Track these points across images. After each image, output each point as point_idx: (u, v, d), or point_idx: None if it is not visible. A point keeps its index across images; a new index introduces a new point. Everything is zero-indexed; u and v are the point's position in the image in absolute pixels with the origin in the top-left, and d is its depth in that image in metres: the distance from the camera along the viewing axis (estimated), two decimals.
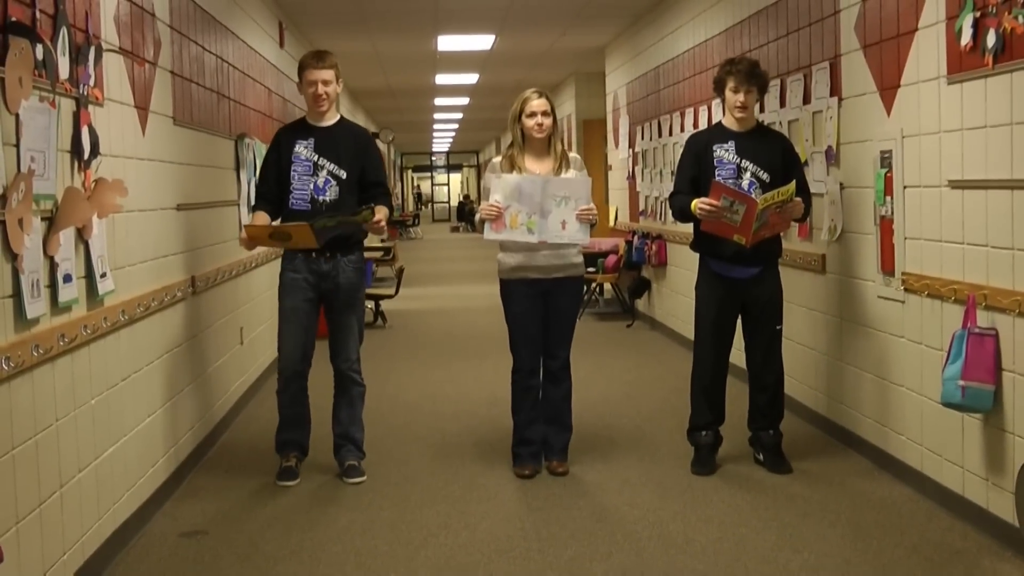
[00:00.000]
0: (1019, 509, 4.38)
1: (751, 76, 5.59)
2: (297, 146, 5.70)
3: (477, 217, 5.73)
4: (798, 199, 5.41)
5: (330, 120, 5.80)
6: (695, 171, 5.71)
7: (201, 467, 6.09)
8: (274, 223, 5.72)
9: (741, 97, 5.57)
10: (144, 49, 5.44)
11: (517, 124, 5.73)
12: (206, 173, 6.84)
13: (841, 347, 6.16)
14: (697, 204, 5.46)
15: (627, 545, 4.70)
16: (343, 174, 5.69)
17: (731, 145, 5.63)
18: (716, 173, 5.59)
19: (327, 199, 5.65)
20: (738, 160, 5.60)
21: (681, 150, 5.94)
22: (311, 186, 5.66)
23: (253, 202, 5.91)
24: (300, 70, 5.76)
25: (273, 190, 5.75)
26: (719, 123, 5.82)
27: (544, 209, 5.57)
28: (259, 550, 4.75)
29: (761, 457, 5.75)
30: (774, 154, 5.64)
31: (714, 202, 5.37)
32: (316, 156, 5.68)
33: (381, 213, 5.62)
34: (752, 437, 5.85)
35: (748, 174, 5.58)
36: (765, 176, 5.57)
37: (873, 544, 4.62)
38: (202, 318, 6.47)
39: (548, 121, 5.69)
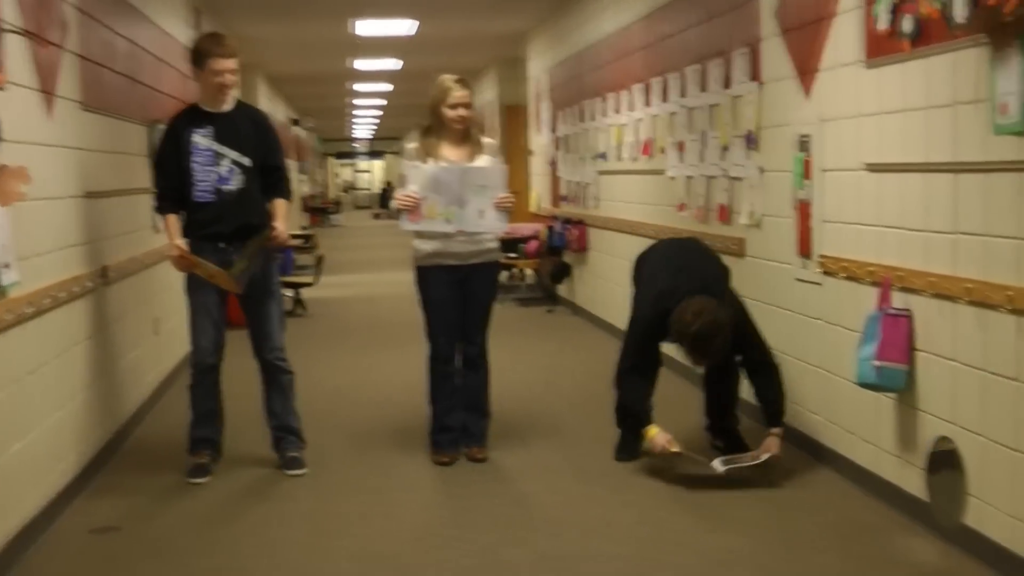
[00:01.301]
0: (930, 486, 4.44)
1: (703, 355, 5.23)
2: (195, 135, 5.49)
3: (392, 204, 5.69)
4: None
5: (228, 105, 5.60)
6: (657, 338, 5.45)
7: (114, 462, 5.94)
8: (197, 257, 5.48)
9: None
10: (49, 31, 5.28)
11: (436, 112, 5.66)
12: (118, 160, 6.69)
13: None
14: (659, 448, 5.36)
15: (546, 530, 4.68)
16: (246, 161, 5.53)
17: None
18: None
19: (232, 188, 5.50)
20: None
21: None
22: (214, 176, 5.48)
23: (156, 200, 5.64)
24: (202, 56, 5.50)
25: (175, 184, 5.52)
26: None
27: (462, 199, 5.55)
28: (173, 545, 4.66)
29: (721, 444, 5.66)
30: None
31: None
32: (217, 144, 5.49)
33: (281, 223, 5.56)
34: (712, 425, 5.75)
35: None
36: None
37: (790, 524, 4.65)
38: (114, 309, 6.32)
39: (468, 113, 5.66)
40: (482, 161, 5.68)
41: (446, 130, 5.67)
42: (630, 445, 5.66)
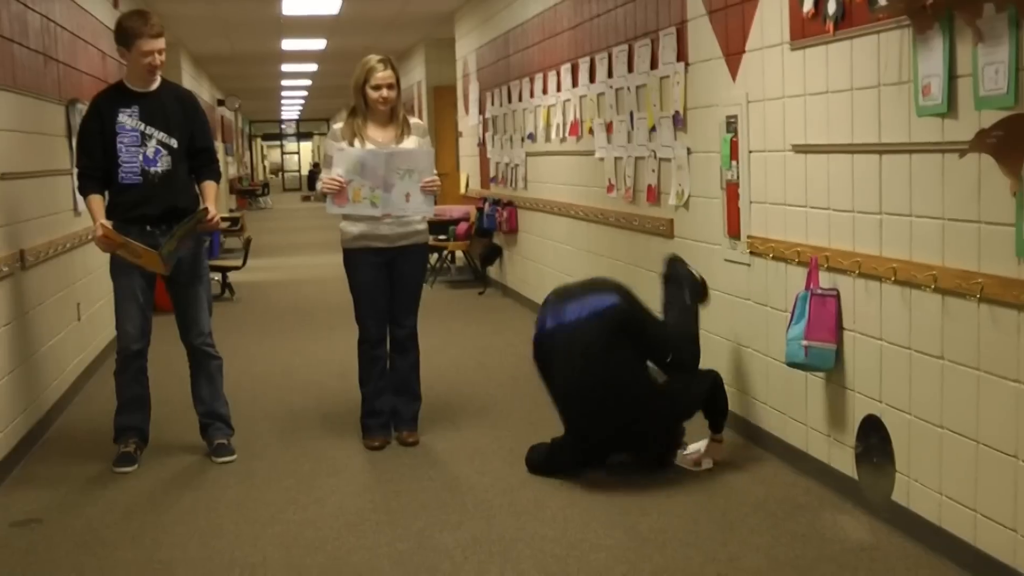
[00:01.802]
0: (859, 463, 4.50)
1: None
2: (120, 115, 5.38)
3: (318, 186, 5.63)
4: None
5: (153, 84, 5.49)
6: None
7: (36, 452, 5.84)
8: (124, 236, 5.37)
9: None
10: None
11: (360, 93, 5.60)
12: (33, 140, 6.53)
13: None
14: None
15: (478, 514, 4.67)
16: (173, 143, 5.44)
17: None
18: None
19: (159, 170, 5.41)
20: None
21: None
22: (140, 157, 5.38)
23: (79, 180, 5.48)
24: (129, 36, 5.35)
25: (100, 165, 5.40)
26: None
27: (387, 183, 5.50)
28: (97, 536, 4.57)
29: None
30: None
31: None
32: (143, 125, 5.39)
33: (212, 206, 5.47)
34: None
35: None
36: None
37: (720, 503, 4.69)
38: (34, 294, 6.19)
39: (393, 94, 5.58)
40: (410, 142, 5.62)
41: (372, 111, 5.61)
42: None
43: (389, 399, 5.78)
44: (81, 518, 4.81)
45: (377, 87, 5.53)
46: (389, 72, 5.57)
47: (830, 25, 4.47)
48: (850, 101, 4.38)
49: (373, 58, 5.60)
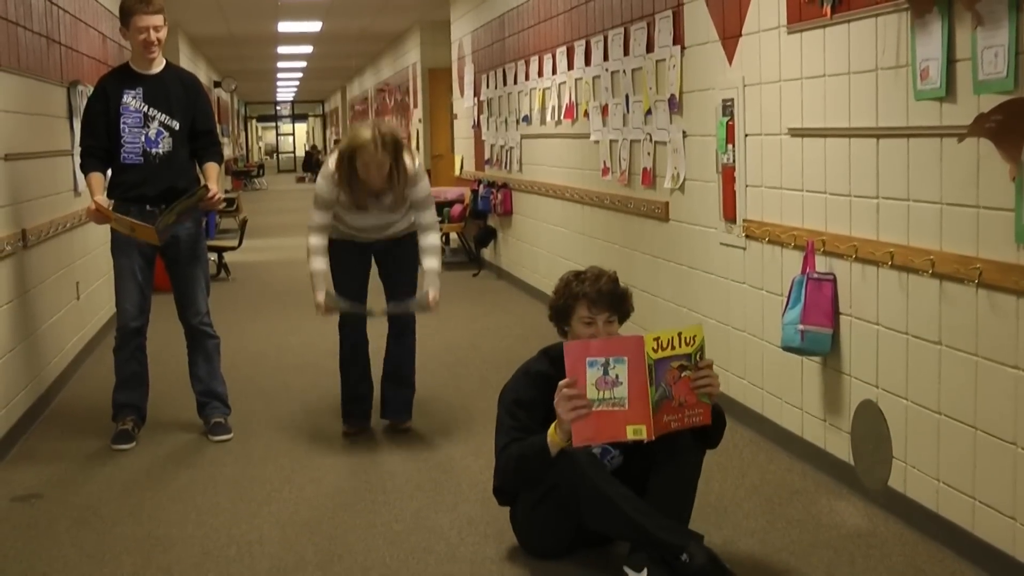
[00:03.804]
0: (854, 448, 4.52)
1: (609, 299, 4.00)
2: (125, 96, 5.43)
3: (317, 310, 5.47)
4: (710, 359, 3.69)
5: (157, 67, 5.53)
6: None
7: (36, 428, 5.88)
8: (113, 207, 5.46)
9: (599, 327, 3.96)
10: None
11: (349, 165, 5.21)
12: (36, 122, 6.56)
13: (684, 294, 6.24)
14: (561, 397, 3.61)
15: (473, 495, 4.70)
16: (175, 124, 5.48)
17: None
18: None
19: (160, 151, 5.45)
20: None
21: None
22: (142, 138, 5.43)
23: (81, 158, 5.54)
24: (126, 14, 5.42)
25: (103, 144, 5.46)
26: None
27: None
28: (96, 512, 4.61)
29: None
30: None
31: (574, 387, 3.58)
32: (146, 106, 5.43)
33: (214, 185, 5.47)
34: None
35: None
36: None
37: (714, 486, 4.70)
38: (35, 273, 6.21)
39: (384, 173, 5.20)
40: (414, 192, 5.37)
41: (366, 183, 5.26)
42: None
43: (370, 384, 5.72)
44: (80, 494, 4.84)
45: (366, 166, 5.17)
46: (382, 158, 5.14)
47: (827, 8, 4.49)
48: (847, 85, 4.40)
49: (365, 135, 5.15)
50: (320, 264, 5.41)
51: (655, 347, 3.54)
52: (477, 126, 12.15)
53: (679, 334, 3.59)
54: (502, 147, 10.90)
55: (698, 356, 3.61)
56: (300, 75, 31.44)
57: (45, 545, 4.27)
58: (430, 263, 5.45)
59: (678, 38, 6.16)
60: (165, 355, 6.37)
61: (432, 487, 4.82)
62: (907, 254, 4.02)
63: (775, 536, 4.17)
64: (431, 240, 5.48)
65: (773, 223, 5.08)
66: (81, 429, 5.82)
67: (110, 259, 5.61)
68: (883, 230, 4.21)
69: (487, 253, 11.93)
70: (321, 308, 5.38)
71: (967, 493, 3.84)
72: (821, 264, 4.63)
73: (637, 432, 3.55)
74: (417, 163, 5.40)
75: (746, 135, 5.35)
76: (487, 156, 11.64)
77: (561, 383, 3.61)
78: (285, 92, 41.32)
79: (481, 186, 11.60)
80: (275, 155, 52.30)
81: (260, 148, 52.75)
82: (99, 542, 4.28)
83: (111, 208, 5.48)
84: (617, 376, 3.52)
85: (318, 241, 5.42)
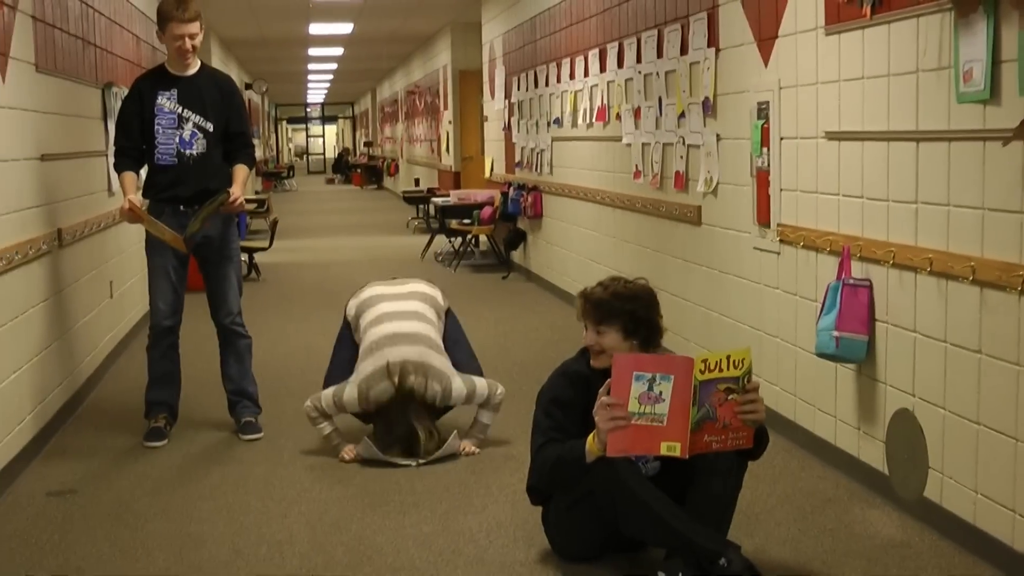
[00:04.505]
0: (889, 457, 4.48)
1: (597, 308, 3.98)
2: (160, 97, 5.47)
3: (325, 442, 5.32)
4: (756, 383, 3.63)
5: (192, 69, 5.57)
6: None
7: (70, 425, 5.92)
8: (148, 207, 5.52)
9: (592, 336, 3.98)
10: None
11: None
12: (72, 123, 6.60)
13: (716, 299, 6.21)
14: (600, 406, 3.58)
15: (502, 498, 4.68)
16: (209, 126, 5.51)
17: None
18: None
19: (194, 153, 5.48)
20: None
21: None
22: (176, 140, 5.47)
23: (115, 158, 5.60)
24: (163, 20, 5.46)
25: (137, 145, 5.52)
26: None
27: None
28: (129, 509, 4.63)
29: None
30: None
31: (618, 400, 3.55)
32: (180, 108, 5.47)
33: (237, 188, 5.48)
34: None
35: None
36: None
37: (746, 493, 4.60)
38: (69, 272, 6.26)
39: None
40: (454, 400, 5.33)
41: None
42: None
43: None
44: (113, 490, 4.88)
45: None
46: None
47: (867, 9, 4.44)
48: (887, 87, 4.35)
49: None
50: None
51: (702, 368, 3.51)
52: (508, 128, 12.14)
53: (727, 357, 3.56)
54: (533, 149, 10.89)
55: (746, 379, 3.58)
56: (331, 77, 31.53)
57: (80, 540, 4.30)
58: (484, 417, 5.40)
59: (712, 40, 6.13)
60: (197, 354, 6.39)
61: (461, 489, 4.81)
62: (947, 260, 3.97)
63: (807, 545, 4.13)
64: (490, 396, 5.39)
65: (808, 228, 5.04)
66: (114, 426, 5.85)
67: (143, 258, 5.65)
68: (922, 235, 4.16)
69: (517, 256, 11.91)
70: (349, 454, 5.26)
71: (1007, 506, 3.78)
72: (857, 270, 4.59)
73: (671, 449, 3.53)
74: (454, 389, 5.31)
75: (781, 138, 5.31)
76: (518, 158, 11.63)
77: (601, 392, 3.60)
78: (315, 94, 41.47)
79: (511, 188, 11.59)
80: (305, 157, 52.49)
81: (290, 150, 52.97)
82: (132, 538, 4.31)
83: (146, 208, 5.52)
84: (661, 393, 3.51)
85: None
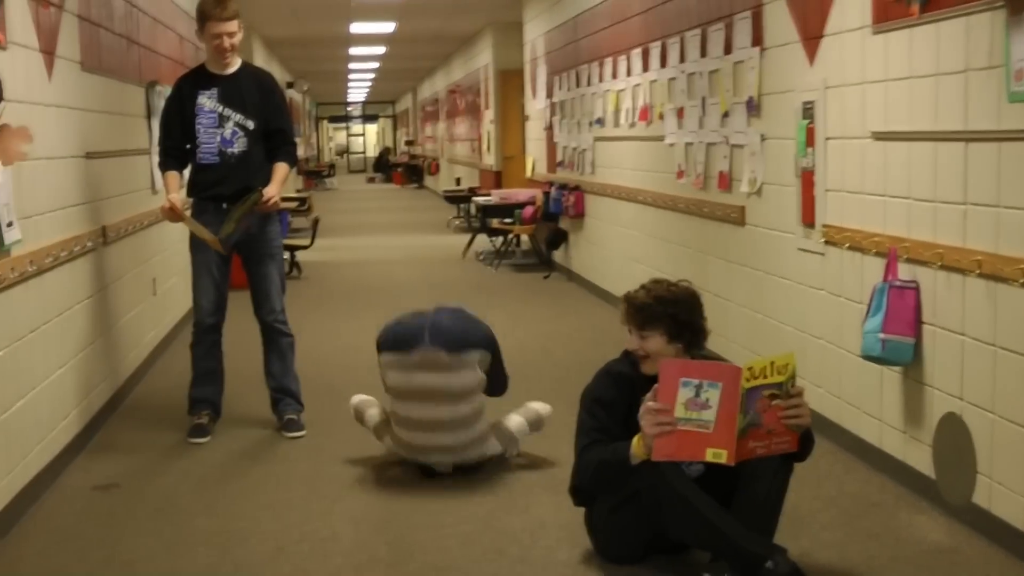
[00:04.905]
0: (936, 461, 4.43)
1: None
2: (200, 97, 5.51)
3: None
4: (800, 387, 3.64)
5: (233, 67, 5.60)
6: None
7: (114, 420, 5.98)
8: (192, 205, 5.60)
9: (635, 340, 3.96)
10: None
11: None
12: (116, 121, 6.66)
13: (759, 300, 6.17)
14: (647, 410, 3.60)
15: (545, 498, 4.67)
16: (250, 124, 5.53)
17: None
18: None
19: (235, 151, 5.51)
20: None
21: None
22: (218, 139, 5.50)
23: (160, 158, 5.66)
24: (202, 19, 5.49)
25: (180, 144, 5.57)
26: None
27: None
28: (173, 504, 4.67)
29: None
30: None
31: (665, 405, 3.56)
32: (221, 107, 5.50)
33: (274, 187, 5.50)
34: None
35: None
36: None
37: (790, 496, 4.56)
38: (113, 268, 6.31)
39: None
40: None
41: None
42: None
43: None
44: (157, 485, 4.92)
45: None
46: None
47: (915, 8, 4.40)
48: (935, 87, 4.31)
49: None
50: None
51: (748, 376, 3.52)
52: (549, 128, 12.13)
53: (771, 363, 3.56)
54: (575, 149, 10.87)
55: (790, 384, 3.57)
56: (372, 76, 31.64)
57: (125, 534, 4.34)
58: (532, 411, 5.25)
59: (757, 39, 6.09)
60: (241, 350, 6.42)
61: (504, 489, 4.80)
62: (996, 263, 3.92)
63: (853, 549, 4.09)
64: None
65: (854, 229, 4.99)
66: (157, 422, 5.90)
67: (186, 256, 5.70)
68: (970, 237, 4.12)
69: (558, 255, 11.90)
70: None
71: None
72: (904, 271, 4.54)
73: (717, 456, 3.53)
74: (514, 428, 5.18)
75: (827, 138, 5.27)
76: (559, 158, 11.62)
77: (647, 396, 3.61)
78: (356, 93, 41.62)
79: (553, 188, 11.58)
80: (346, 155, 52.69)
81: (331, 148, 53.18)
82: (176, 533, 4.34)
83: (191, 206, 5.55)
84: (708, 400, 3.51)
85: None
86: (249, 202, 5.41)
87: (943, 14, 4.22)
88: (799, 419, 3.59)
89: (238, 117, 5.51)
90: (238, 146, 5.52)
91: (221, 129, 5.50)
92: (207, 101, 5.50)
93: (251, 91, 5.58)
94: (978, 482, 4.16)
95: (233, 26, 5.48)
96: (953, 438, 4.29)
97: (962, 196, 4.16)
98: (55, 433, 5.02)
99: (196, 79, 5.61)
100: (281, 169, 5.62)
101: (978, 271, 4.03)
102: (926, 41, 4.37)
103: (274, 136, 5.64)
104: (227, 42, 5.47)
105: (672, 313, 3.88)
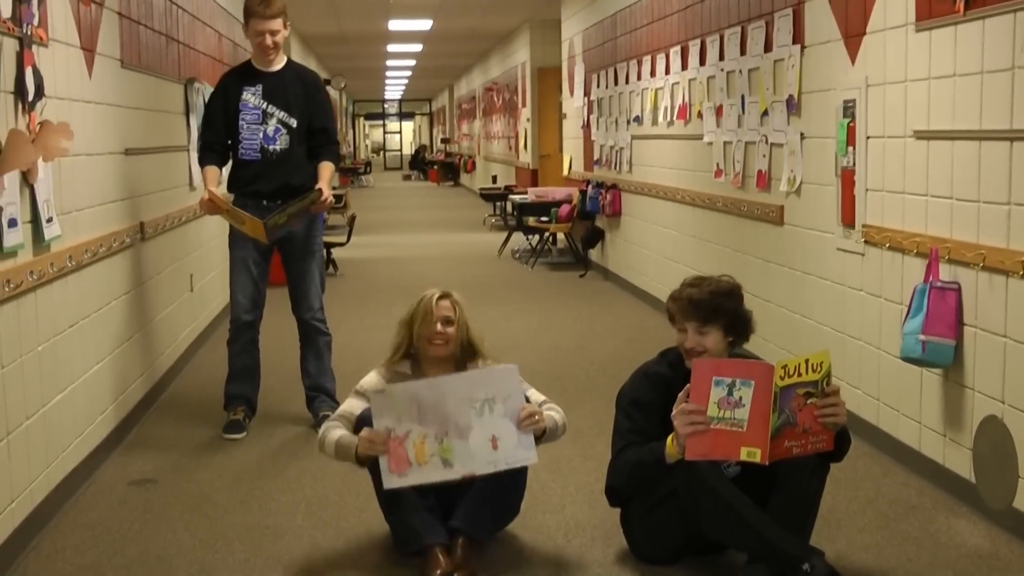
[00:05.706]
0: (976, 465, 4.37)
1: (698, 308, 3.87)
2: (244, 93, 5.53)
3: (360, 450, 3.96)
4: (836, 386, 3.59)
5: (278, 65, 5.62)
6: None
7: (150, 416, 6.00)
8: (232, 202, 5.56)
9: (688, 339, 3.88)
10: None
11: (408, 333, 4.38)
12: (155, 118, 6.68)
13: (798, 300, 6.12)
14: (679, 411, 3.57)
15: (580, 497, 4.66)
16: (293, 122, 5.54)
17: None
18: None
19: (277, 148, 5.53)
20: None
21: None
22: (260, 135, 5.52)
23: (199, 152, 5.69)
24: (247, 16, 5.53)
25: (221, 139, 5.59)
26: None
27: (460, 424, 3.85)
28: (209, 500, 4.68)
29: None
30: None
31: (697, 405, 3.55)
32: (265, 104, 5.52)
33: (327, 187, 5.50)
34: None
35: None
36: None
37: (827, 499, 4.54)
38: (151, 264, 6.34)
39: (452, 331, 4.26)
40: (481, 368, 4.24)
41: (425, 358, 4.35)
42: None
43: None
44: (193, 481, 4.94)
45: (432, 337, 4.26)
46: (447, 304, 4.31)
47: (960, 5, 4.34)
48: (980, 85, 4.25)
49: (431, 294, 4.39)
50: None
51: (782, 375, 3.49)
52: (587, 126, 12.10)
53: (806, 361, 3.53)
54: (612, 147, 10.84)
55: (825, 383, 3.53)
56: (409, 73, 31.69)
57: (160, 529, 4.36)
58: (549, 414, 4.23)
59: (798, 37, 6.04)
60: (277, 348, 6.44)
61: (539, 488, 4.78)
62: None
63: (891, 553, 4.05)
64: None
65: (894, 229, 4.94)
66: (193, 418, 5.92)
67: (223, 252, 5.71)
68: (1014, 238, 4.06)
69: (594, 254, 11.87)
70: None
71: None
72: (945, 272, 4.49)
73: (751, 455, 3.50)
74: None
75: (868, 137, 5.22)
76: (596, 156, 11.59)
77: (680, 396, 3.59)
78: (393, 90, 41.70)
79: (590, 186, 11.55)
80: (382, 153, 52.83)
81: (367, 146, 53.35)
82: (211, 529, 4.35)
83: (231, 203, 5.57)
84: (741, 398, 3.49)
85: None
86: (308, 200, 5.42)
87: (989, 11, 4.16)
88: (835, 417, 3.55)
89: (281, 114, 5.53)
90: (280, 143, 5.53)
91: (264, 126, 5.52)
92: (251, 98, 5.53)
93: (295, 89, 5.59)
94: (1019, 486, 4.10)
95: (277, 24, 5.50)
96: (994, 441, 4.24)
97: (1006, 196, 4.10)
98: (92, 428, 5.05)
99: (241, 75, 5.63)
100: (327, 168, 5.63)
101: (1022, 272, 3.98)
102: (971, 38, 4.31)
103: (317, 135, 5.65)
104: (270, 40, 5.49)
105: (731, 307, 3.88)
